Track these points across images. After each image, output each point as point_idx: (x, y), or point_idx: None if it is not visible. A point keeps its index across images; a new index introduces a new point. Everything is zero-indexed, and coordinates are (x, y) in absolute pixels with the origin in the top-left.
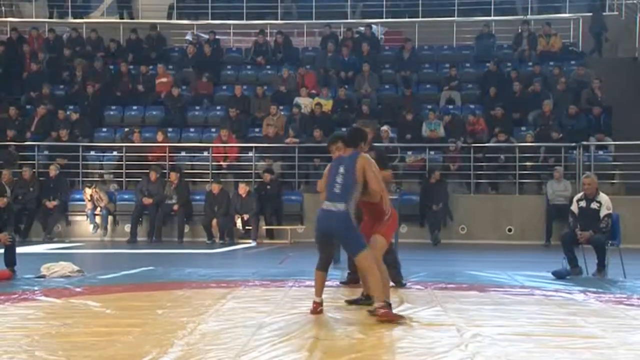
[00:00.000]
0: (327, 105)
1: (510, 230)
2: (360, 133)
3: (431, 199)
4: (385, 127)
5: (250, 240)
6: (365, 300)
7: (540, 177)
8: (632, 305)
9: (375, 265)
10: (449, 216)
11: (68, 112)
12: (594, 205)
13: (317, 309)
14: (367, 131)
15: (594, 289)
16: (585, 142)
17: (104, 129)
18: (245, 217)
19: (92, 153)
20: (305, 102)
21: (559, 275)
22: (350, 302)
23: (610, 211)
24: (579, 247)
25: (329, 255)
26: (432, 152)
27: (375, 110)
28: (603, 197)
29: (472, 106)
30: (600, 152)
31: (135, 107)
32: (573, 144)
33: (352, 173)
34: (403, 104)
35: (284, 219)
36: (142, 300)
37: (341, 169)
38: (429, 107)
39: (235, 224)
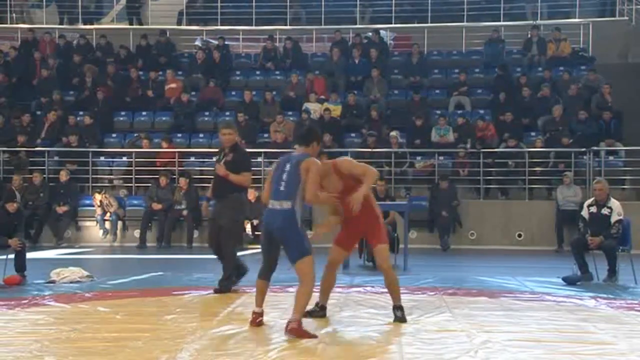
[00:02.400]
0: (336, 110)
1: (520, 235)
2: (312, 133)
3: (440, 204)
4: (394, 133)
5: (259, 246)
6: (320, 311)
7: (550, 183)
8: None
9: (312, 276)
10: (458, 223)
11: (79, 118)
12: (604, 210)
13: (257, 320)
14: (317, 132)
15: (605, 295)
16: (595, 148)
17: (114, 135)
18: (255, 222)
19: (102, 158)
20: (314, 108)
21: (570, 281)
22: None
23: (622, 217)
24: (590, 252)
25: (272, 261)
26: (441, 158)
27: (384, 116)
28: (614, 202)
29: (481, 111)
30: (611, 158)
31: (144, 113)
32: (583, 149)
33: (296, 171)
34: (412, 110)
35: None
36: (151, 306)
37: (287, 167)
38: (439, 112)
39: (244, 229)
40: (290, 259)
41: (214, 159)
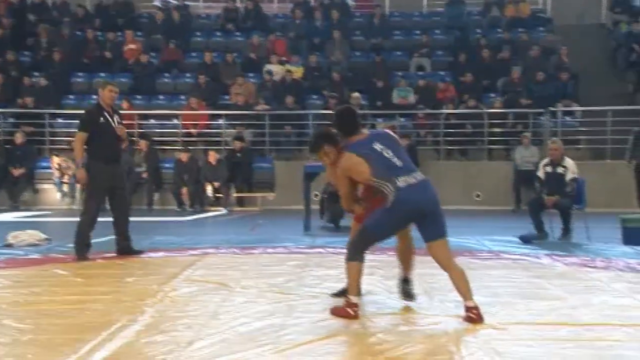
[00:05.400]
0: (298, 72)
1: (478, 196)
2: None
3: None
4: (356, 94)
5: (220, 208)
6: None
7: (508, 143)
8: (596, 267)
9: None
10: None
11: (35, 79)
12: (559, 170)
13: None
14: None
15: (560, 253)
16: (552, 108)
17: (71, 96)
18: (216, 184)
19: (59, 120)
20: (275, 69)
21: (526, 240)
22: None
23: (576, 175)
24: (545, 211)
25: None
26: (402, 119)
27: (346, 77)
28: (568, 162)
29: (442, 73)
30: (567, 118)
31: (103, 74)
32: (541, 110)
33: (394, 141)
34: (374, 71)
35: (255, 186)
36: (111, 268)
37: (377, 145)
38: (400, 74)
39: (205, 191)
40: (440, 233)
41: (103, 120)
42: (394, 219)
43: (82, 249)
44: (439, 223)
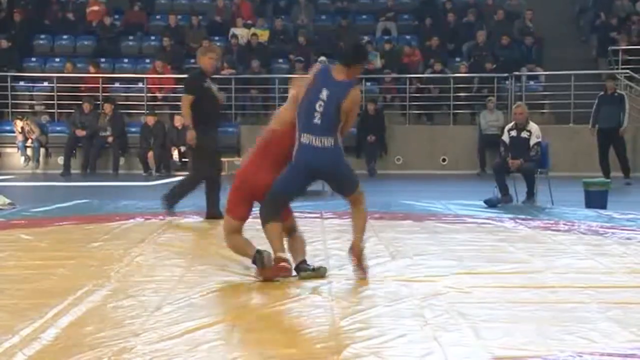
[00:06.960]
0: (264, 35)
1: (444, 160)
2: (363, 51)
3: (368, 130)
4: (322, 58)
5: (187, 173)
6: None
7: (473, 108)
8: (559, 230)
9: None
10: (384, 150)
11: None
12: (524, 134)
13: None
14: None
15: (523, 216)
16: (517, 73)
17: (34, 59)
18: (182, 149)
19: (22, 83)
20: (241, 33)
21: (491, 204)
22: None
23: (540, 140)
24: (510, 175)
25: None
26: (368, 83)
27: (312, 41)
28: (533, 126)
29: (408, 37)
30: (531, 82)
31: (65, 37)
32: (505, 75)
33: (336, 110)
34: (340, 35)
35: (220, 151)
36: (77, 233)
37: (324, 94)
38: (366, 38)
39: (171, 156)
40: (346, 192)
41: (207, 85)
42: (294, 175)
43: (174, 204)
44: (343, 185)
